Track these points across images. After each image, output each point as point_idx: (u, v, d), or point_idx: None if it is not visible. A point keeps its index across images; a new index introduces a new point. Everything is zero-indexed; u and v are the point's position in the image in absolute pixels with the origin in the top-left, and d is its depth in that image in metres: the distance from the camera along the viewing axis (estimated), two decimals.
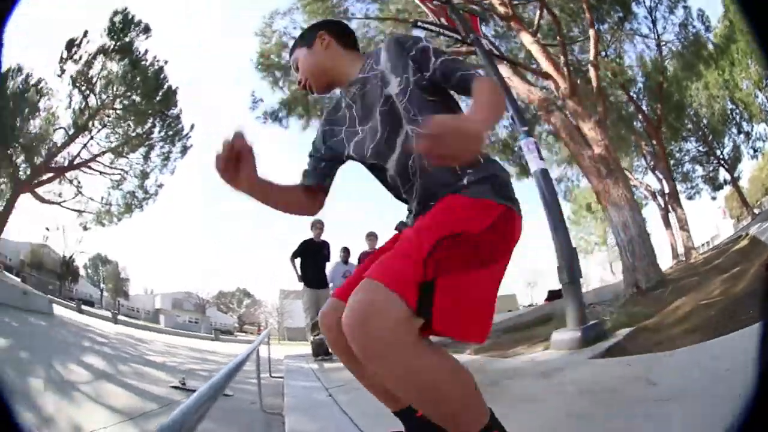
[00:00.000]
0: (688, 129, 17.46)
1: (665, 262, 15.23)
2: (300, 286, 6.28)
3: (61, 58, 20.07)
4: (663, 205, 16.62)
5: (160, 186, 22.75)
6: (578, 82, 9.22)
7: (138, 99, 21.43)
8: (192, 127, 23.21)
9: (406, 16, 10.51)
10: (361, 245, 6.88)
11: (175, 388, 5.02)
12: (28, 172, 20.34)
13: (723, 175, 18.33)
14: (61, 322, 10.88)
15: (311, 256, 6.22)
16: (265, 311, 47.63)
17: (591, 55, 9.63)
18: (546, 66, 8.47)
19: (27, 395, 3.63)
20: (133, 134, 21.72)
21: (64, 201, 21.78)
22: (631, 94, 14.75)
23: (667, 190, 16.03)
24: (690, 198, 18.76)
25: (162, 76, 21.83)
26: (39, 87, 20.58)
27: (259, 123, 12.35)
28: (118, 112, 21.36)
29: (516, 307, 13.47)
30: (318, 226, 6.35)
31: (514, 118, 4.49)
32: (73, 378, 4.79)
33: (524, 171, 11.85)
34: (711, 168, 18.47)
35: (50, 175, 21.19)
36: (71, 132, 20.85)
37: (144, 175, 22.20)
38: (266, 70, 11.52)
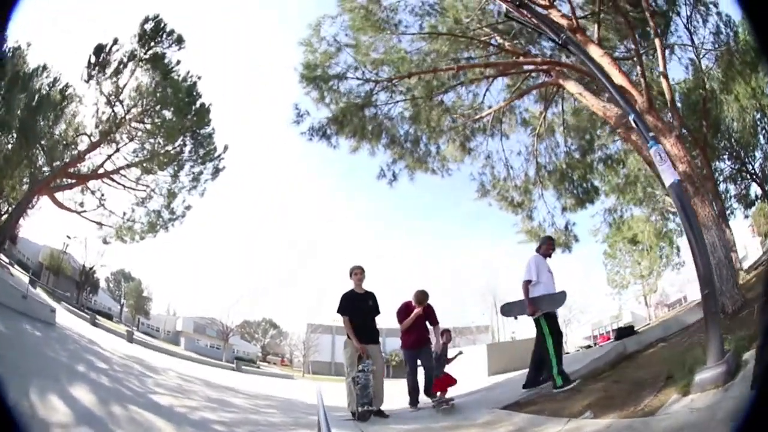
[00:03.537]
0: (722, 147, 16.61)
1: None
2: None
3: (89, 63, 19.57)
4: None
5: (188, 208, 22.14)
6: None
7: (169, 115, 21.03)
8: (225, 148, 22.71)
9: (463, 29, 9.71)
10: None
11: None
12: (46, 174, 19.87)
13: (754, 190, 17.34)
14: (62, 335, 9.91)
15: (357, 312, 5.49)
16: (290, 343, 46.69)
17: (660, 66, 8.83)
18: (620, 80, 7.59)
19: None
20: (162, 151, 21.10)
21: (85, 211, 21.27)
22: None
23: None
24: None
25: (195, 92, 21.38)
26: (65, 90, 20.17)
27: (303, 140, 10.73)
28: (147, 126, 20.95)
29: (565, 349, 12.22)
30: (357, 272, 5.64)
31: (638, 124, 4.35)
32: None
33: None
34: (743, 185, 17.47)
35: (71, 181, 20.80)
36: (95, 140, 20.27)
37: (171, 195, 21.64)
38: (311, 82, 10.38)
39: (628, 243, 23.14)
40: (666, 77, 8.58)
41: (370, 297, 5.62)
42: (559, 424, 2.99)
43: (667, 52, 10.59)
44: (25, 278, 18.30)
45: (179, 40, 20.67)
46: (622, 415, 2.81)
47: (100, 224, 21.36)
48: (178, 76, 20.83)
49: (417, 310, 6.01)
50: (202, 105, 21.70)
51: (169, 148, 21.07)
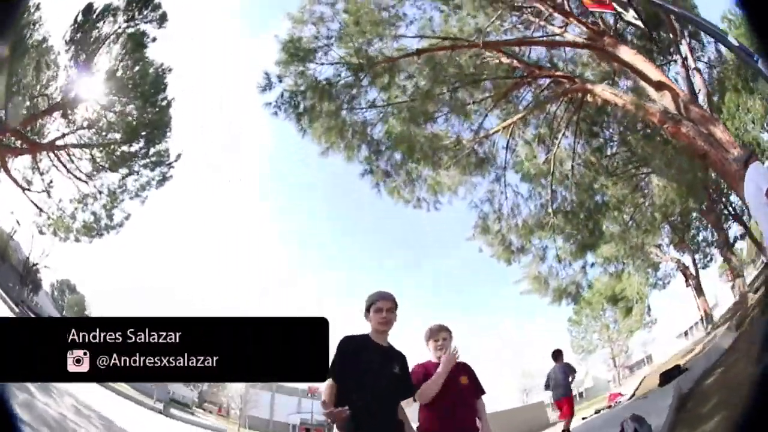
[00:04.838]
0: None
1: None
2: None
3: (75, 22, 18.01)
4: (695, 274, 17.26)
5: (127, 217, 20.00)
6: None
7: (135, 108, 19.57)
8: (178, 156, 20.49)
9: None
10: None
11: None
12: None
13: (734, 232, 16.38)
14: None
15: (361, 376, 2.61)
16: (228, 395, 44.32)
17: (690, 60, 8.64)
18: (657, 75, 6.92)
19: None
20: (118, 147, 19.62)
21: (30, 190, 19.41)
22: None
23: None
24: (704, 267, 17.83)
25: (163, 84, 19.81)
26: (45, 43, 18.21)
27: (267, 112, 9.01)
28: (109, 117, 19.29)
29: (546, 419, 8.91)
30: (384, 306, 2.70)
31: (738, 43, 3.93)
32: None
33: None
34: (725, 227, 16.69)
35: (23, 146, 18.90)
36: (53, 103, 18.65)
37: (113, 197, 19.73)
38: (291, 61, 8.60)
39: (607, 302, 22.02)
40: (699, 72, 8.55)
41: (395, 358, 2.75)
42: None
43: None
44: None
45: (162, 19, 19.09)
46: None
47: (40, 210, 19.65)
48: (151, 62, 19.33)
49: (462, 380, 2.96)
50: (165, 99, 19.99)
51: (125, 147, 19.49)
